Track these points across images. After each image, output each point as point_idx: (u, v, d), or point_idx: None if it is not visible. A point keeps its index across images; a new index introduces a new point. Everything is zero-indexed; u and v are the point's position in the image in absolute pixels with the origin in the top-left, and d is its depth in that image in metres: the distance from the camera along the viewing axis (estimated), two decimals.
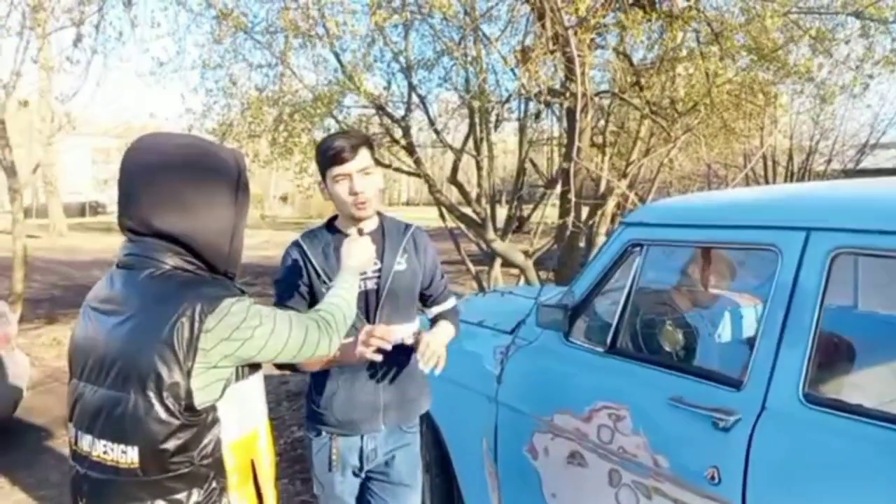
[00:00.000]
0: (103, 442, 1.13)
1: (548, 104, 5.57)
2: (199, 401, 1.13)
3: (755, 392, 1.54)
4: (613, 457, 1.80)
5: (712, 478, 1.53)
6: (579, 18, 3.97)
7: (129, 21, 5.62)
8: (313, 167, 5.16)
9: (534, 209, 7.07)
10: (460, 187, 5.98)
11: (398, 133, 5.49)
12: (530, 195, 8.02)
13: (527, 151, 6.40)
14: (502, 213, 6.49)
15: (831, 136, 12.04)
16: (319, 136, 5.19)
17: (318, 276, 1.73)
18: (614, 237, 2.08)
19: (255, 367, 1.26)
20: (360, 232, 1.70)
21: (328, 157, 1.69)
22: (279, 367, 1.66)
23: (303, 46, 5.21)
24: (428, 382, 1.91)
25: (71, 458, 1.22)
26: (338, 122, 5.35)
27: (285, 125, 5.45)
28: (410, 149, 5.46)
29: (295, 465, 3.54)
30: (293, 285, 1.76)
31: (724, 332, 2.26)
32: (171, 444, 1.11)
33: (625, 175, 6.14)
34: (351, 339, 1.63)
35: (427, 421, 2.33)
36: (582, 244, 6.77)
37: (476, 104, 5.15)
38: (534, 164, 7.24)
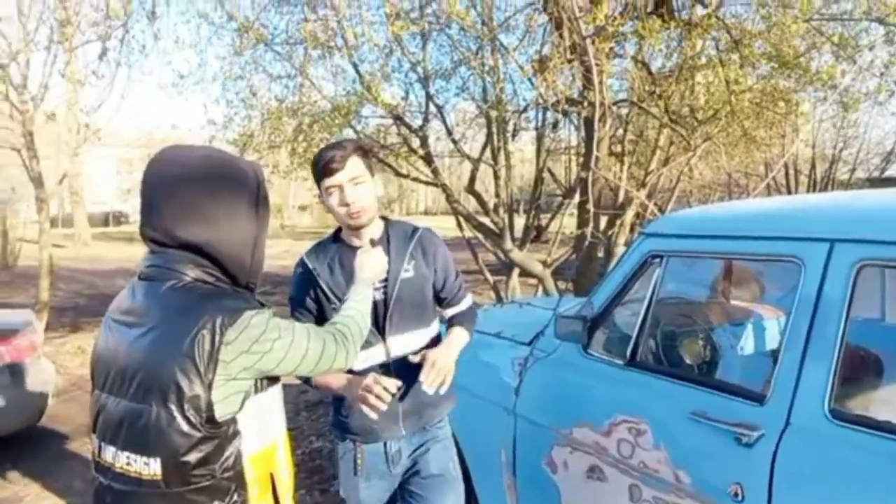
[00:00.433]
0: (126, 454, 1.14)
1: (565, 113, 5.56)
2: (220, 413, 1.13)
3: (779, 407, 1.51)
4: (634, 472, 1.78)
5: (735, 494, 1.51)
6: (597, 28, 3.96)
7: (153, 34, 5.75)
8: None
9: (551, 219, 7.05)
10: (478, 197, 5.98)
11: (416, 143, 5.52)
12: (548, 204, 8.00)
13: (544, 161, 6.39)
14: (520, 222, 6.48)
15: (855, 145, 11.86)
16: None
17: (324, 292, 1.74)
18: (634, 248, 2.06)
19: (273, 379, 1.27)
20: (372, 243, 1.69)
21: (319, 169, 1.69)
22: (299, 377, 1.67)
23: (322, 57, 5.29)
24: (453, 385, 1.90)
25: (94, 470, 1.23)
26: (356, 132, 5.40)
27: (304, 135, 5.51)
28: (428, 158, 5.48)
29: (313, 476, 3.55)
30: (302, 302, 1.78)
31: (747, 345, 2.23)
32: (192, 457, 1.12)
33: (643, 184, 6.10)
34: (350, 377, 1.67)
35: None
36: (600, 254, 6.73)
37: (493, 114, 5.16)
38: (551, 174, 7.23)
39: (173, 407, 1.10)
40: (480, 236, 5.84)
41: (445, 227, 6.28)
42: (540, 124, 6.06)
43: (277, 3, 5.11)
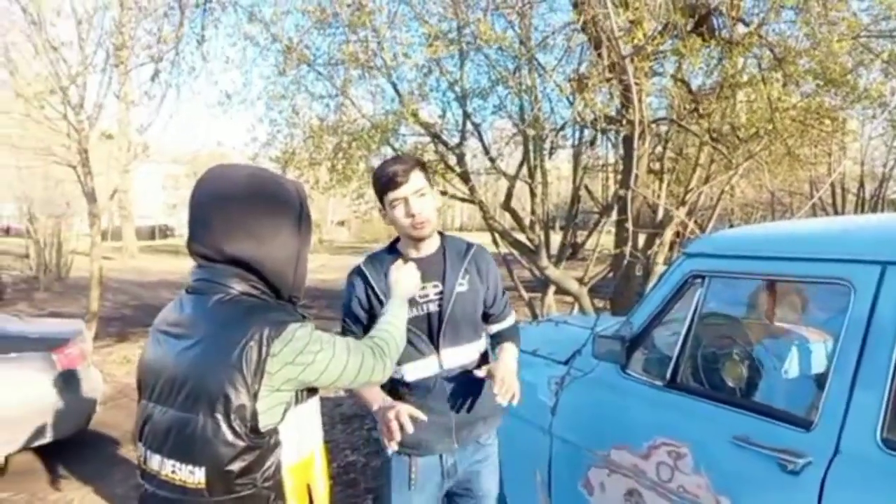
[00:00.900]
0: (172, 462, 1.18)
1: (603, 131, 5.54)
2: (263, 423, 1.16)
3: (827, 434, 1.46)
4: (673, 496, 1.74)
5: None
6: (636, 46, 3.95)
7: (202, 56, 5.98)
8: (370, 193, 5.28)
9: (588, 236, 6.99)
10: (514, 214, 5.98)
11: (452, 160, 5.56)
12: (584, 222, 7.93)
13: (581, 178, 6.36)
14: (556, 239, 6.45)
15: None
16: (376, 163, 5.32)
17: (381, 301, 1.76)
18: (674, 267, 2.03)
19: (312, 391, 1.29)
20: (406, 260, 1.73)
21: (383, 182, 1.73)
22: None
23: (362, 77, 5.41)
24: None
25: (140, 477, 1.26)
26: (394, 149, 5.48)
27: (344, 153, 5.62)
28: (465, 176, 5.52)
29: (347, 490, 3.56)
30: (353, 310, 1.81)
31: (791, 368, 2.16)
32: (236, 466, 1.15)
33: (683, 202, 6.00)
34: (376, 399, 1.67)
35: None
36: (638, 273, 6.62)
37: (530, 132, 5.18)
38: (588, 191, 7.18)
39: (220, 416, 1.13)
40: (516, 253, 5.82)
41: (481, 243, 6.28)
42: (577, 142, 6.04)
43: (320, 26, 5.26)
